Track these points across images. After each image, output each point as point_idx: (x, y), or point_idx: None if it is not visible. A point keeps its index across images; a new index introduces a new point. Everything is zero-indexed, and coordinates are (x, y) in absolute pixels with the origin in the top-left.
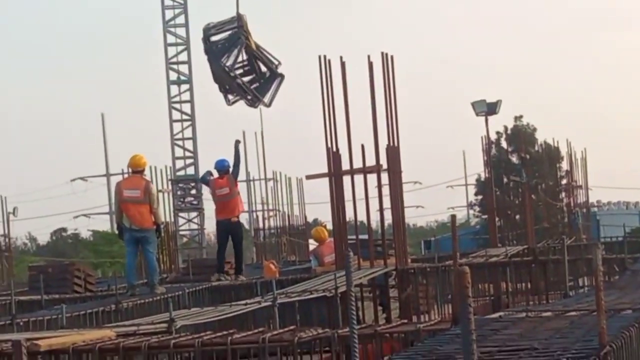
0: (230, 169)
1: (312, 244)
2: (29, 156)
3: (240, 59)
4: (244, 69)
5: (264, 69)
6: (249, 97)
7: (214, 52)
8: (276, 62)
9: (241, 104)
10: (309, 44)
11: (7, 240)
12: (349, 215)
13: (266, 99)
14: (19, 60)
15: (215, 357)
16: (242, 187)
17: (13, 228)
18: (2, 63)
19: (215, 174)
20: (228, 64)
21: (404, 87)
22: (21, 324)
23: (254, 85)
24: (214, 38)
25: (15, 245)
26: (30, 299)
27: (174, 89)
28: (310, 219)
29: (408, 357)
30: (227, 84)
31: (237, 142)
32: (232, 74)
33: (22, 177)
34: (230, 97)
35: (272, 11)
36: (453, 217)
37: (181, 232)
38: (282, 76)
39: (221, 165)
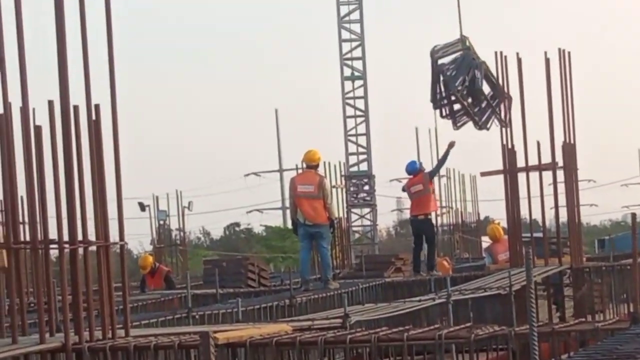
0: (423, 169)
1: (486, 242)
2: (204, 151)
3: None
4: (465, 92)
5: (486, 90)
6: (477, 119)
7: (446, 76)
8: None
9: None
10: (483, 39)
11: (182, 234)
12: (523, 212)
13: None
14: (195, 58)
15: (390, 353)
16: None
17: (188, 222)
18: (180, 59)
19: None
20: (473, 86)
21: (580, 83)
22: (197, 317)
23: (477, 108)
24: (442, 61)
25: (190, 239)
26: (205, 292)
27: (348, 85)
28: (482, 216)
29: (588, 356)
30: (456, 107)
31: (452, 143)
32: (469, 95)
33: (197, 171)
34: (456, 120)
35: (446, 8)
36: (633, 215)
37: (354, 228)
38: (510, 97)
39: (412, 168)
